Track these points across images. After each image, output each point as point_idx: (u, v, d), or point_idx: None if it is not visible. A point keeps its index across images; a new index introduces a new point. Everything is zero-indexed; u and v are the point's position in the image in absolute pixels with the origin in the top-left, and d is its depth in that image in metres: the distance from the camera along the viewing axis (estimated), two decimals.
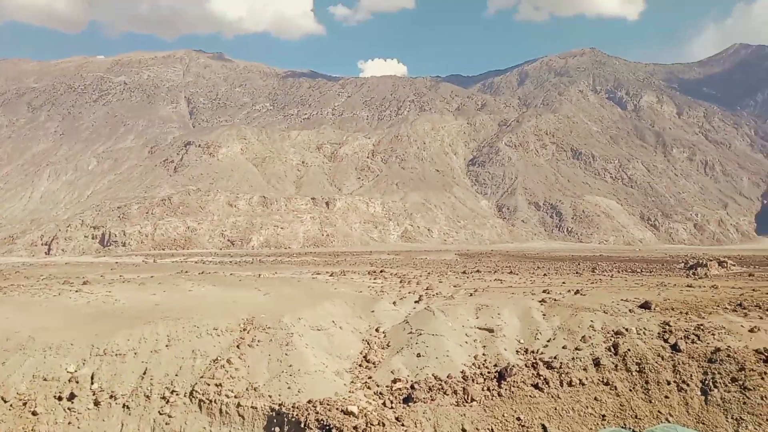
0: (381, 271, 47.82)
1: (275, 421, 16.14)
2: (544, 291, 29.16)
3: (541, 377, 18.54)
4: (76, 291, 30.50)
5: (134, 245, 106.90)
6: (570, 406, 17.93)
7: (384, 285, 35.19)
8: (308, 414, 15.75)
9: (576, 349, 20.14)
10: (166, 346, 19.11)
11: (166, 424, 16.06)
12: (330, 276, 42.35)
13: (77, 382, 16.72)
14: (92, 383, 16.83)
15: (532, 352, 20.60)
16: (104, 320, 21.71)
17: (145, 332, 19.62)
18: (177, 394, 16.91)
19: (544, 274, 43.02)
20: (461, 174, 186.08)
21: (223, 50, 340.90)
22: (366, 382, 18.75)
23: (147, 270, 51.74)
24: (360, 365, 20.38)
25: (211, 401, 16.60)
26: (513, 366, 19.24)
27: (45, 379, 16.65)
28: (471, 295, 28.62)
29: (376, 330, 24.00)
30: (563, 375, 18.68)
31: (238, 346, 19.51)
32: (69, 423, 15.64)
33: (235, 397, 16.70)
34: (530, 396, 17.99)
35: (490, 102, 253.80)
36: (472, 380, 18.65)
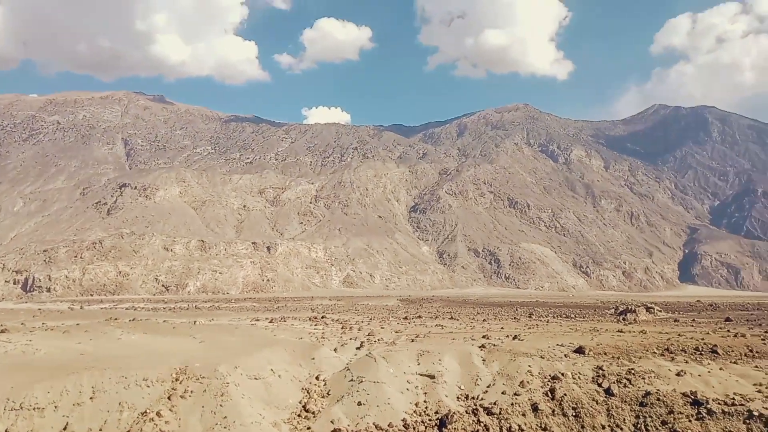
0: (322, 317, 47.07)
1: None
2: (483, 336, 29.54)
3: (482, 424, 18.56)
4: None
5: (60, 291, 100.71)
6: None
7: (325, 331, 34.60)
8: None
9: (515, 394, 20.37)
10: (90, 398, 17.89)
11: None
12: (269, 322, 41.25)
13: None
14: None
15: (473, 398, 20.65)
16: (22, 371, 20.11)
17: (68, 384, 18.32)
18: None
19: (484, 320, 43.63)
20: (403, 220, 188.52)
21: (164, 93, 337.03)
22: None
23: (73, 317, 48.66)
24: (299, 415, 19.74)
25: None
26: (454, 413, 19.18)
27: None
28: (412, 341, 28.57)
29: (317, 378, 23.43)
30: (503, 421, 18.77)
31: (169, 398, 18.51)
32: None
33: None
34: None
35: (431, 151, 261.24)
36: (413, 428, 18.42)
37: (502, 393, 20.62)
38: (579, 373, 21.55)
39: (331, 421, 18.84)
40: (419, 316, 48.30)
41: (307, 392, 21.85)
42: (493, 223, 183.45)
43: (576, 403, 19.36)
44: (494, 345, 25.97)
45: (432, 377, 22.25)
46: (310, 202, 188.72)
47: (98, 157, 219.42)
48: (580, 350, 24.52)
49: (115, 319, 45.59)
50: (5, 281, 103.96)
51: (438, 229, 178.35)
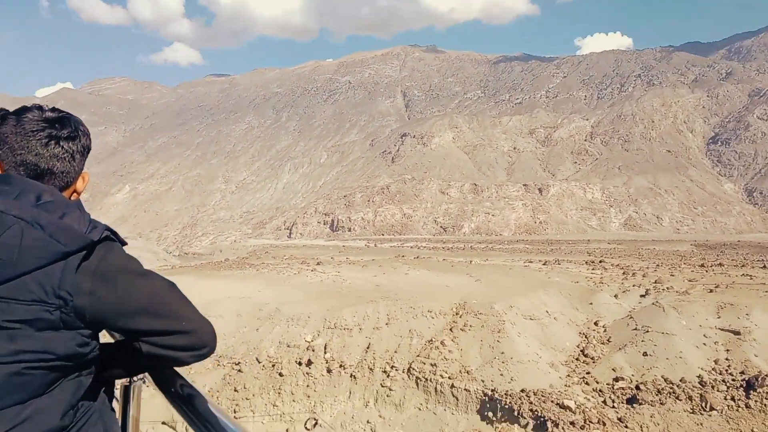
0: (600, 261, 44.64)
1: (488, 405, 16.28)
2: None
3: None
4: (312, 270, 34.60)
5: (358, 230, 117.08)
6: None
7: (604, 276, 32.83)
8: (522, 403, 15.54)
9: None
10: (386, 324, 20.59)
11: (387, 396, 17.35)
12: (543, 264, 40.97)
13: (313, 351, 19.01)
14: (325, 352, 18.97)
15: None
16: (334, 297, 24.27)
17: (368, 310, 21.39)
18: (396, 370, 18.13)
19: None
20: (699, 154, 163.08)
21: (436, 43, 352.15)
22: (584, 378, 17.76)
23: (369, 253, 56.34)
24: (576, 359, 19.38)
25: (426, 379, 17.42)
26: (766, 375, 16.36)
27: (288, 346, 19.27)
28: (711, 291, 25.06)
29: (595, 323, 22.54)
30: None
31: (450, 329, 20.11)
32: (307, 386, 17.89)
33: (449, 378, 17.25)
34: None
35: (738, 70, 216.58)
36: (712, 387, 16.36)
37: None
38: None
39: (613, 369, 18.01)
40: (720, 264, 41.89)
41: (585, 337, 21.25)
42: None
43: None
44: None
45: (737, 333, 19.27)
46: (585, 140, 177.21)
47: (382, 110, 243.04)
48: None
49: (402, 256, 51.14)
50: (317, 222, 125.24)
51: (746, 163, 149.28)
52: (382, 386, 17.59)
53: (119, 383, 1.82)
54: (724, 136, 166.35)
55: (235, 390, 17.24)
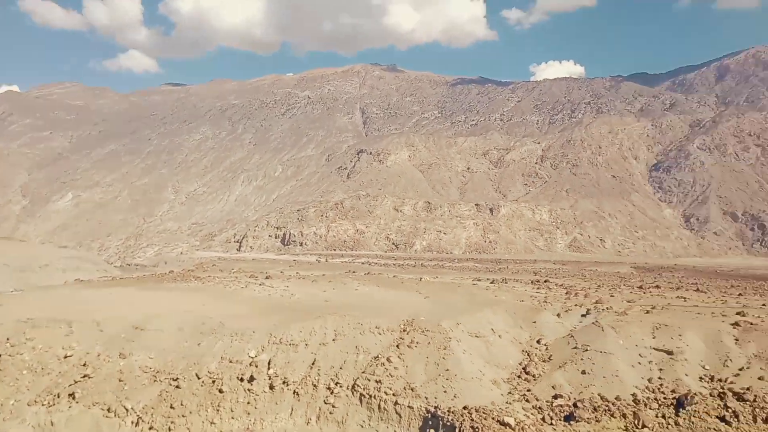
0: (545, 281, 45.80)
1: (430, 423, 16.32)
2: (738, 313, 25.42)
3: (730, 410, 16.20)
4: (260, 284, 34.02)
5: (310, 245, 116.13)
6: None
7: (548, 295, 33.66)
8: (463, 420, 15.66)
9: None
10: (333, 340, 20.41)
11: (330, 413, 17.14)
12: (491, 283, 41.67)
13: (256, 367, 18.62)
14: (269, 368, 18.61)
15: (720, 380, 18.10)
16: (281, 312, 23.90)
17: (316, 326, 21.17)
18: (341, 386, 17.96)
19: (740, 294, 37.61)
20: (642, 180, 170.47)
21: (396, 62, 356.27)
22: (524, 395, 18.08)
23: (320, 268, 55.91)
24: (519, 376, 19.72)
25: (371, 396, 17.33)
26: (695, 394, 17.09)
27: (231, 361, 18.80)
28: (647, 312, 26.08)
29: (538, 341, 23.03)
30: (758, 409, 16.10)
31: (397, 346, 20.12)
32: (248, 402, 17.47)
33: (393, 395, 17.22)
34: (714, 429, 15.81)
35: (681, 101, 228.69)
36: (645, 405, 16.96)
37: (759, 378, 17.65)
38: None
39: (552, 386, 18.42)
40: (657, 286, 43.71)
41: (528, 355, 21.67)
42: (758, 182, 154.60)
43: None
44: (751, 324, 22.25)
45: (670, 353, 20.09)
46: (536, 163, 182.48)
47: (340, 126, 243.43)
48: None
49: (353, 272, 51.02)
50: (269, 236, 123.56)
51: (685, 190, 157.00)
52: (326, 403, 17.40)
53: None
54: (665, 163, 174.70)
55: (171, 407, 16.65)
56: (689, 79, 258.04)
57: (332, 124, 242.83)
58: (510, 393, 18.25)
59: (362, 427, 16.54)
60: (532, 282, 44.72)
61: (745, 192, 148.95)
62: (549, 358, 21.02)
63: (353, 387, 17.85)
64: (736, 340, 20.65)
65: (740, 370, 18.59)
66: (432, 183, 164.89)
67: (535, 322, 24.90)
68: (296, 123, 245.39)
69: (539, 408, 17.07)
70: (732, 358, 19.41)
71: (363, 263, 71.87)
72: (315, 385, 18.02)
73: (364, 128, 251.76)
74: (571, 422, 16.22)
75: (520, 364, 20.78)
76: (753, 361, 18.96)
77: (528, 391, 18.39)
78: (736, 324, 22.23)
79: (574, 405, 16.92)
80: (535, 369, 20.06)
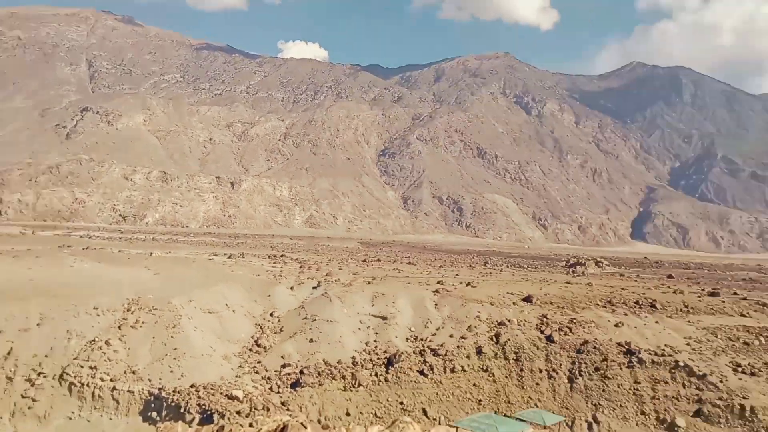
0: (281, 256, 47.24)
1: (153, 405, 15.52)
2: (438, 282, 30.20)
3: (427, 364, 19.27)
4: None
5: (12, 214, 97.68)
6: (450, 391, 18.81)
7: (283, 270, 34.81)
8: (189, 398, 15.31)
9: (462, 337, 21.11)
10: (37, 324, 17.75)
11: (29, 408, 14.94)
12: (228, 258, 41.20)
13: None
14: None
15: (421, 339, 21.34)
16: None
17: (14, 309, 18.11)
18: (45, 377, 15.79)
19: (441, 266, 44.56)
20: (371, 164, 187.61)
21: (133, 14, 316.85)
22: (255, 367, 18.53)
23: (24, 242, 47.54)
24: (250, 349, 20.08)
25: (83, 384, 15.65)
26: (402, 353, 19.82)
27: None
28: (369, 283, 29.05)
29: (271, 314, 23.71)
30: (447, 362, 19.53)
31: (119, 327, 18.51)
32: None
33: (111, 380, 15.87)
34: (415, 381, 18.66)
35: (406, 95, 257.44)
36: (362, 366, 19.00)
37: (450, 336, 21.36)
38: (524, 320, 22.41)
39: (282, 356, 19.26)
40: (378, 260, 48.95)
41: (260, 328, 22.17)
42: (460, 171, 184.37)
43: (518, 348, 20.22)
44: (447, 291, 26.65)
45: (384, 318, 22.81)
46: (279, 140, 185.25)
47: (60, 78, 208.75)
48: (528, 299, 25.38)
49: (69, 246, 44.75)
50: None
51: (405, 175, 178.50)
52: (23, 397, 15.13)
53: None
54: (391, 150, 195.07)
55: None
56: (414, 76, 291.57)
57: (50, 74, 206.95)
58: (240, 366, 18.50)
59: (70, 419, 14.88)
60: (269, 257, 45.61)
61: (449, 179, 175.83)
62: (281, 330, 21.88)
63: (61, 376, 15.91)
64: (436, 304, 24.50)
65: (437, 329, 22.17)
66: (170, 152, 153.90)
67: (269, 295, 25.57)
68: (1, 68, 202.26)
69: (268, 378, 17.70)
70: (432, 319, 22.99)
71: (82, 236, 63.59)
72: (10, 378, 15.53)
73: (91, 83, 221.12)
74: (297, 388, 17.26)
75: (252, 337, 21.16)
76: (446, 322, 22.79)
77: (258, 363, 18.90)
78: (436, 291, 26.35)
79: (301, 372, 18.02)
80: (266, 341, 20.67)
